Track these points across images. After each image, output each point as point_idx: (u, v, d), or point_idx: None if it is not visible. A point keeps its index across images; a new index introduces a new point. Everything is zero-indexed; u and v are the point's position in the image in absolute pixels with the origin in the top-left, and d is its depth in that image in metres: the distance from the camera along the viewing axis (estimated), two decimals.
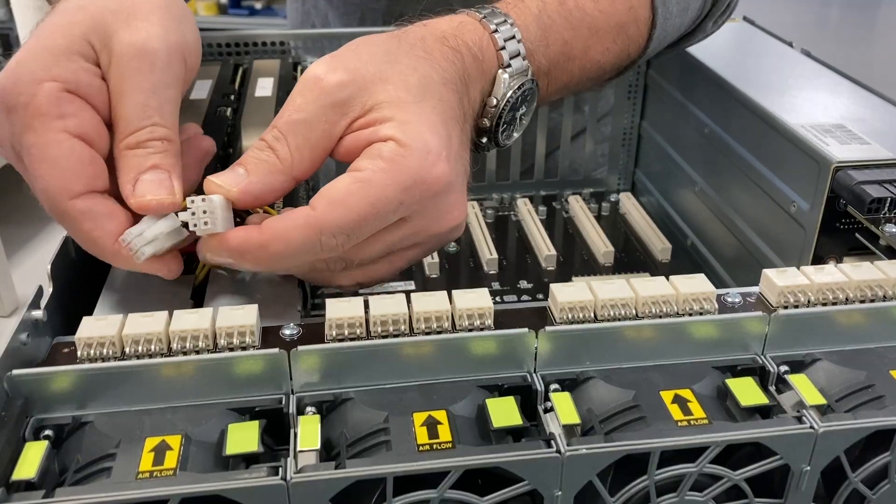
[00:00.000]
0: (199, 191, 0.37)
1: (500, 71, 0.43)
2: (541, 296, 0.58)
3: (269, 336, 0.35)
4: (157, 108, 0.37)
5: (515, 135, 0.45)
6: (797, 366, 0.36)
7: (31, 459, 0.30)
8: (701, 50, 0.61)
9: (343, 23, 0.78)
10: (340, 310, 0.35)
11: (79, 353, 0.33)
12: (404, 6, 0.75)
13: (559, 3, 0.46)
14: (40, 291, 0.36)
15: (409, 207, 0.36)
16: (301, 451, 0.31)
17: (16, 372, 0.32)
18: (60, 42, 0.37)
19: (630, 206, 0.69)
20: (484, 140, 0.44)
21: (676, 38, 0.55)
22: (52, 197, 0.36)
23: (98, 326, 0.34)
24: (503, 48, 0.43)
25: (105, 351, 0.33)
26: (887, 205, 0.43)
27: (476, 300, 0.36)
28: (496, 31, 0.43)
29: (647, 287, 0.37)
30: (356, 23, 0.77)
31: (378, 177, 0.35)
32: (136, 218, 0.37)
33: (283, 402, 0.33)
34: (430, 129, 0.37)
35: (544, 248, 0.62)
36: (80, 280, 0.41)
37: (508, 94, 0.43)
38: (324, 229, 0.35)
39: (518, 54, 0.43)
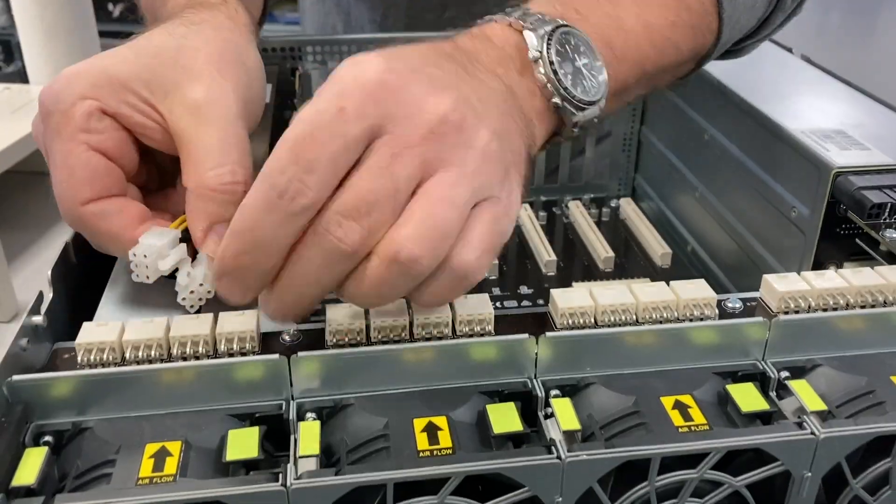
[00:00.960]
0: None
1: (524, 32, 0.38)
2: (541, 301, 0.58)
3: (270, 342, 0.35)
4: (235, 149, 0.38)
5: (592, 83, 0.39)
6: (798, 371, 0.36)
7: (30, 465, 0.30)
8: None
9: (368, 17, 0.78)
10: (341, 316, 0.35)
11: (79, 359, 0.33)
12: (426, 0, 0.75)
13: None
14: (40, 297, 0.36)
15: (359, 117, 0.31)
16: (301, 457, 0.31)
17: (16, 378, 0.32)
18: (121, 74, 0.38)
19: (630, 211, 0.69)
20: (559, 101, 0.38)
21: (750, 29, 0.52)
22: (63, 202, 0.37)
23: (98, 332, 0.34)
24: (512, 20, 0.38)
25: (105, 357, 0.33)
26: (887, 210, 0.43)
27: (476, 306, 0.36)
28: (493, 20, 0.39)
29: (648, 293, 0.37)
30: (379, 18, 0.77)
31: (312, 100, 0.32)
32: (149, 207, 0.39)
33: (284, 407, 0.33)
34: (363, 54, 0.33)
35: (545, 254, 0.62)
36: (81, 286, 0.41)
37: (542, 46, 0.37)
38: (271, 170, 0.30)
39: (535, 18, 0.38)
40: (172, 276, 0.37)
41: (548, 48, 0.37)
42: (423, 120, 0.31)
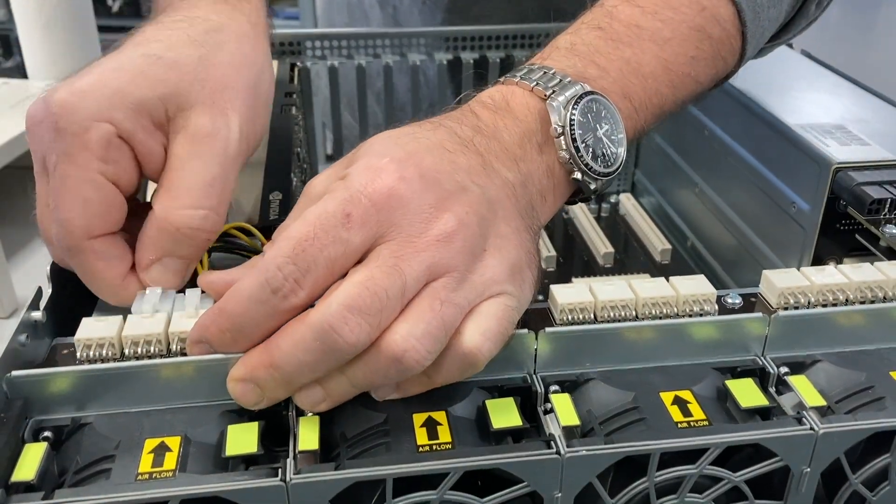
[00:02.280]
0: None
1: (547, 102, 0.37)
2: (541, 297, 0.58)
3: None
4: (220, 195, 0.37)
5: (611, 152, 0.38)
6: (797, 367, 0.36)
7: (30, 461, 0.30)
8: None
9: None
10: None
11: (78, 355, 0.33)
12: None
13: (597, 32, 0.42)
14: (39, 293, 0.36)
15: (364, 225, 0.31)
16: (301, 453, 0.31)
17: (15, 373, 0.32)
18: (137, 92, 0.36)
19: (630, 207, 0.69)
20: (579, 176, 0.37)
21: (779, 28, 0.51)
22: (71, 231, 0.35)
23: (97, 327, 0.34)
24: (535, 86, 0.38)
25: (104, 352, 0.33)
26: (887, 206, 0.43)
27: None
28: (518, 80, 0.39)
29: (647, 288, 0.37)
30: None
31: (321, 199, 0.32)
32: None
33: (283, 403, 0.33)
34: (380, 149, 0.33)
35: (544, 250, 0.62)
36: (80, 281, 0.41)
37: (565, 121, 0.37)
38: (269, 264, 0.30)
39: (557, 81, 0.38)
40: None
41: (570, 122, 0.37)
42: (429, 234, 0.32)
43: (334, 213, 0.31)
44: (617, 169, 0.39)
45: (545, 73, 0.39)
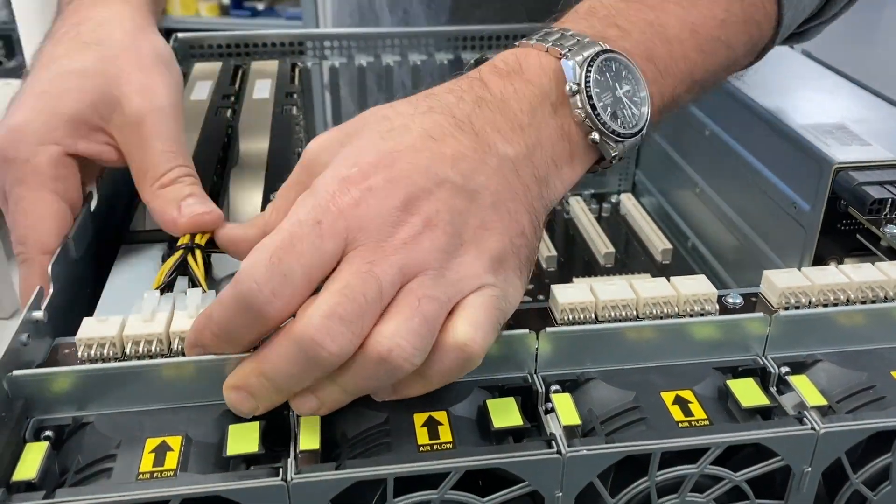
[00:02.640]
0: None
1: (562, 61, 0.36)
2: (542, 297, 0.58)
3: None
4: (180, 153, 0.42)
5: (633, 113, 0.37)
6: (798, 367, 0.36)
7: (31, 460, 0.30)
8: None
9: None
10: None
11: (79, 354, 0.33)
12: None
13: None
14: (41, 292, 0.36)
15: (334, 234, 0.31)
16: (302, 452, 0.31)
17: (16, 373, 0.32)
18: (69, 108, 0.41)
19: (631, 207, 0.69)
20: (597, 137, 0.36)
21: (814, 10, 0.48)
22: (27, 246, 0.40)
23: (98, 327, 0.34)
24: (550, 46, 0.37)
25: (105, 352, 0.33)
26: (888, 206, 0.43)
27: None
28: (533, 43, 0.38)
29: (648, 288, 0.37)
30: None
31: (293, 209, 0.32)
32: None
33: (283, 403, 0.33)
34: (354, 152, 0.33)
35: (545, 250, 0.62)
36: (81, 281, 0.41)
37: (581, 78, 0.36)
38: (247, 276, 0.30)
39: (574, 41, 0.37)
40: (170, 285, 0.39)
41: (586, 80, 0.35)
42: (397, 237, 0.31)
43: (305, 221, 0.31)
44: (640, 131, 0.37)
45: (563, 34, 0.38)
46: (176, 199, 0.41)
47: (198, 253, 0.39)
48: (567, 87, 0.36)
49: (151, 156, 0.42)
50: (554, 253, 0.61)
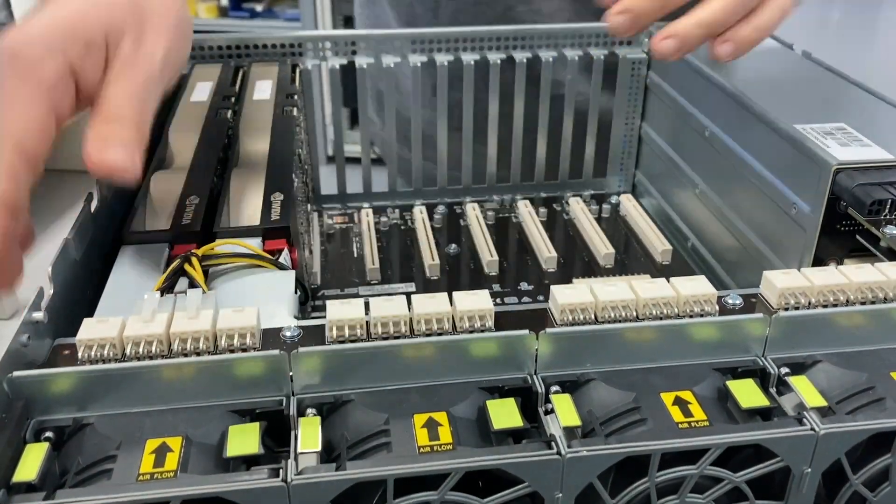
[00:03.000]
0: None
1: None
2: (541, 297, 0.58)
3: (270, 337, 0.35)
4: (145, 102, 0.41)
5: None
6: (798, 367, 0.36)
7: (31, 461, 0.30)
8: (702, 52, 0.61)
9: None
10: (341, 311, 0.35)
11: (79, 355, 0.33)
12: None
13: None
14: (41, 293, 0.36)
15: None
16: (302, 453, 0.31)
17: (16, 373, 0.32)
18: (86, 30, 0.40)
19: (630, 207, 0.69)
20: None
21: None
22: (3, 137, 0.37)
23: (99, 328, 0.34)
24: None
25: (106, 352, 0.33)
26: (888, 207, 0.43)
27: (476, 302, 0.36)
28: None
29: (648, 289, 0.37)
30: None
31: None
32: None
33: (284, 403, 0.33)
34: None
35: (545, 250, 0.62)
36: (81, 282, 0.41)
37: None
38: None
39: None
40: (170, 286, 0.39)
41: None
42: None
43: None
44: None
45: None
46: (106, 138, 0.39)
47: (194, 260, 0.40)
48: None
49: (119, 90, 0.40)
50: (554, 254, 0.61)
